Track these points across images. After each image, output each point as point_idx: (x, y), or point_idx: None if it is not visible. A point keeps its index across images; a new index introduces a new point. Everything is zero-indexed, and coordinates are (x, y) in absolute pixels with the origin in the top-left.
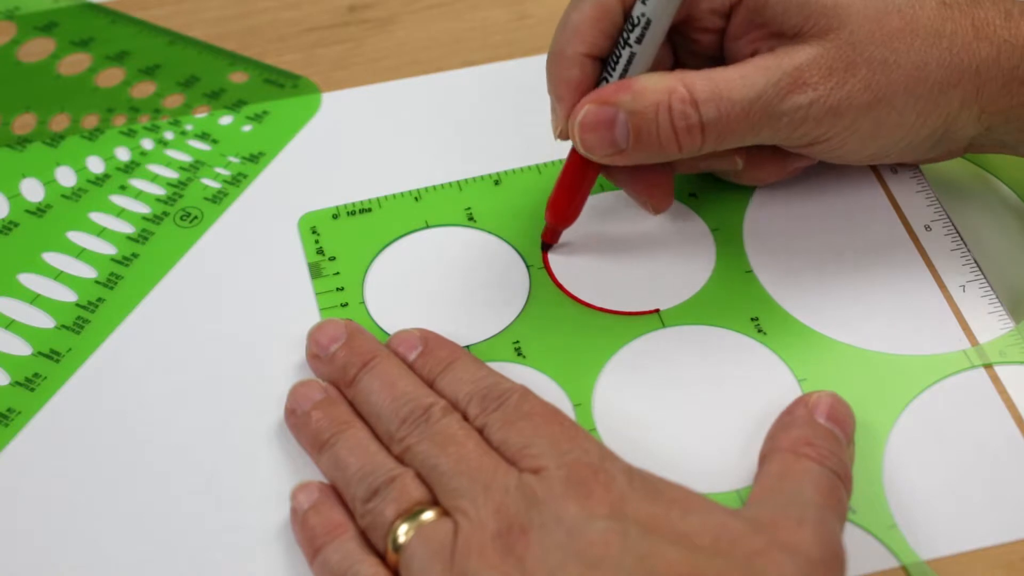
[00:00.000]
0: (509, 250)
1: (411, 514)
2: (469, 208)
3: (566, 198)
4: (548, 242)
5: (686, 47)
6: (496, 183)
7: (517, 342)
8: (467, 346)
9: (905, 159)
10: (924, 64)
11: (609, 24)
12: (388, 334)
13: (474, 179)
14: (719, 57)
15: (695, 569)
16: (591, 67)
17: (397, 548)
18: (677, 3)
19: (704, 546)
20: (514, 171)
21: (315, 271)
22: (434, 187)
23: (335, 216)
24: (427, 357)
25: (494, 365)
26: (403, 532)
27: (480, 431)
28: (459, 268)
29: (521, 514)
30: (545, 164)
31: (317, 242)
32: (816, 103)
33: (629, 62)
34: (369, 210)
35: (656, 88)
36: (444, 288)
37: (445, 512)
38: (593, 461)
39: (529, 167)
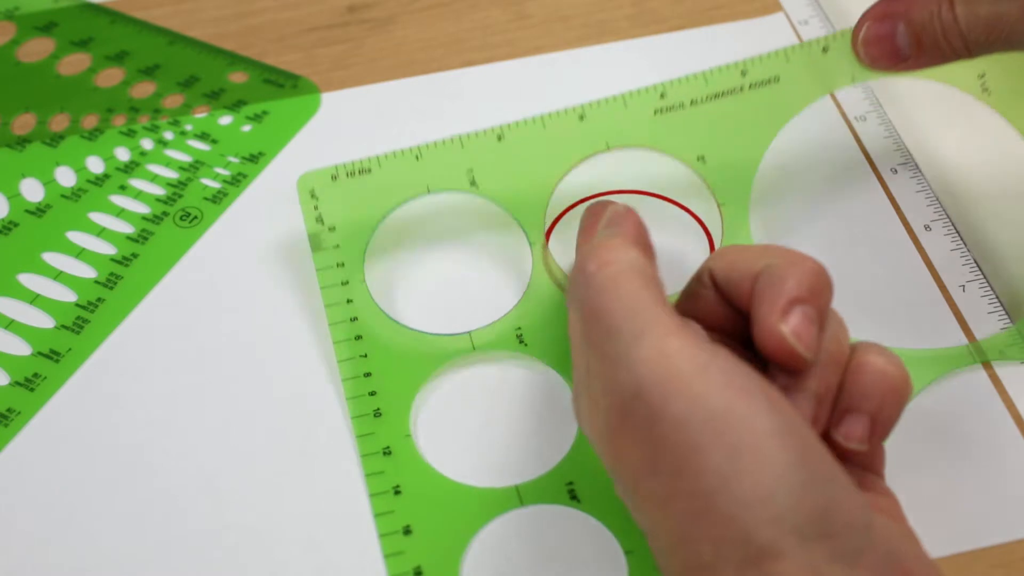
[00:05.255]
0: (512, 223)
1: None
2: (471, 169)
3: None
4: None
5: None
6: (499, 138)
7: (519, 328)
8: (469, 332)
9: None
10: None
11: None
12: (387, 315)
13: (476, 134)
14: None
15: None
16: None
17: None
18: None
19: None
20: (517, 124)
21: (315, 243)
22: (435, 143)
23: (334, 177)
24: None
25: (496, 355)
26: None
27: None
28: (461, 249)
29: None
30: (549, 115)
31: (316, 207)
32: None
33: None
34: (369, 170)
35: None
36: (446, 270)
37: None
38: None
39: (533, 119)
